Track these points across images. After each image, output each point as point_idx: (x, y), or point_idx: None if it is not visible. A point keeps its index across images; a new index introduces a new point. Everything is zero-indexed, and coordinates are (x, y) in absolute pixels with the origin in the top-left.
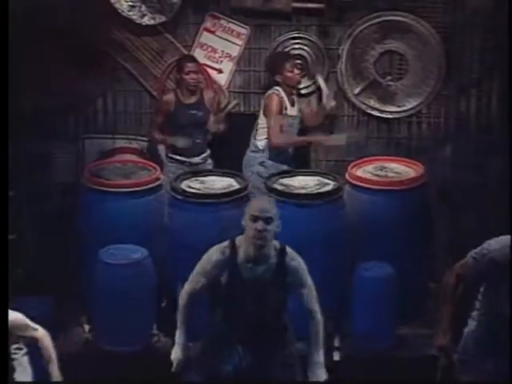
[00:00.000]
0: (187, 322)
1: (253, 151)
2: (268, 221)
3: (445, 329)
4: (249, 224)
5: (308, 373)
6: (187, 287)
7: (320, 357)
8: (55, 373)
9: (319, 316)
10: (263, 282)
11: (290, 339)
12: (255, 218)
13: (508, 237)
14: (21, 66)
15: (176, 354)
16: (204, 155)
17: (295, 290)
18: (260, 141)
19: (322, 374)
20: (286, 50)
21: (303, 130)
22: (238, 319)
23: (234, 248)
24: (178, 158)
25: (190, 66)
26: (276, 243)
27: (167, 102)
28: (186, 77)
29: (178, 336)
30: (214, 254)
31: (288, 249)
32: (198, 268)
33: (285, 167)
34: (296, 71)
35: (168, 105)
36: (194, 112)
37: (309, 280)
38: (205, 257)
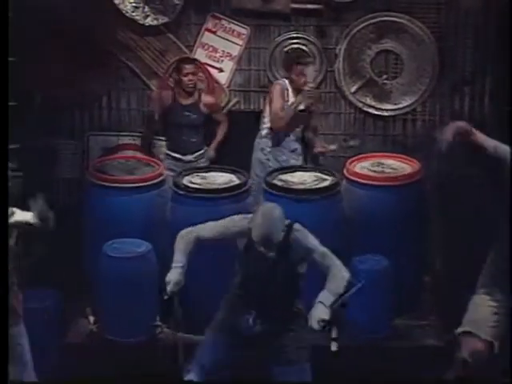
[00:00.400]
0: (187, 252)
1: (258, 138)
2: (271, 247)
3: None
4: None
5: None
6: (196, 230)
7: (324, 297)
8: None
9: (336, 269)
10: (271, 258)
11: (302, 324)
12: (257, 244)
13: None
14: (25, 65)
15: (173, 275)
16: (197, 154)
17: (307, 260)
18: (263, 129)
19: (318, 313)
20: (285, 49)
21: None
22: (252, 288)
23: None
24: (173, 154)
25: (187, 67)
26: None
27: (165, 98)
28: (184, 78)
29: (177, 259)
30: (240, 220)
31: (296, 225)
32: (217, 223)
33: (284, 156)
34: (302, 78)
35: (165, 100)
36: (188, 114)
37: (317, 245)
38: (228, 219)
